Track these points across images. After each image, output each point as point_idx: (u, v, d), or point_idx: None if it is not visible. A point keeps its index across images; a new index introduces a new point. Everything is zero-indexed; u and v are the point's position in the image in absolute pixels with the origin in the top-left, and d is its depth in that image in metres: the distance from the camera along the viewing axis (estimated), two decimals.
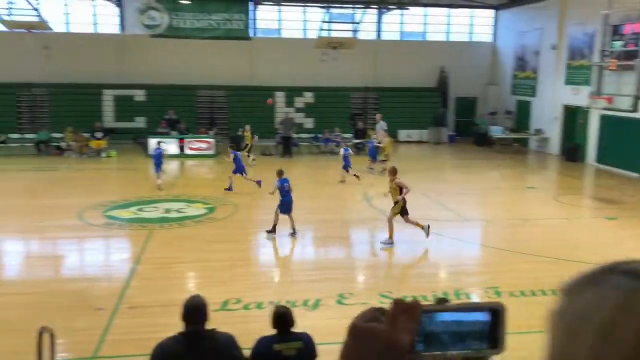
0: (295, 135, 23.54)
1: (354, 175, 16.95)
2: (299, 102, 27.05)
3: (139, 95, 25.96)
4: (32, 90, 25.30)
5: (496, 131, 25.95)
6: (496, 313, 0.91)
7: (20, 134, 23.63)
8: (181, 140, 22.14)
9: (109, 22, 26.48)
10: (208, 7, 24.57)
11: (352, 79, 27.46)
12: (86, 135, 22.26)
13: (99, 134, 22.32)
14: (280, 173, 11.68)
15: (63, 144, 22.17)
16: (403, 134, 27.41)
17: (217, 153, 22.46)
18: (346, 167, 17.20)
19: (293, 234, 11.50)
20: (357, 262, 10.64)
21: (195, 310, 3.94)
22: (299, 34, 27.61)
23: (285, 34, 27.75)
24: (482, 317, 0.91)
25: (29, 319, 7.41)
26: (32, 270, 9.85)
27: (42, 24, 22.99)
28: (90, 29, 26.44)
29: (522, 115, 26.71)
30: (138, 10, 24.39)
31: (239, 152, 16.46)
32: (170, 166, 18.64)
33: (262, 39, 27.27)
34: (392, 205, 11.19)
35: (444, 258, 10.77)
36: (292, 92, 26.93)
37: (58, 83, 25.42)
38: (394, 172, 11.12)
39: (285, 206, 11.41)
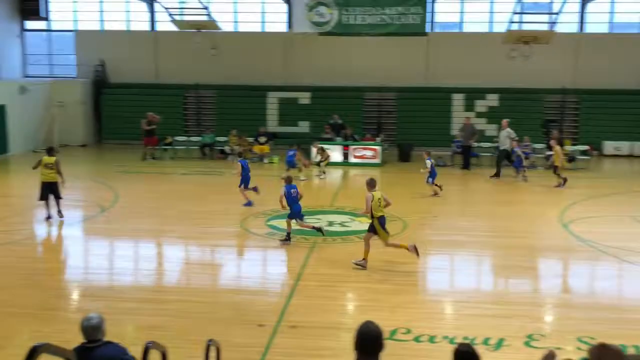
0: (475, 145, 22.92)
1: (437, 185, 16.99)
2: (481, 105, 26.33)
3: (304, 98, 27.20)
4: (199, 91, 27.78)
5: None
6: None
7: (186, 137, 26.02)
8: (346, 147, 22.72)
9: (277, 20, 28.16)
10: (382, 0, 24.98)
11: (547, 78, 26.06)
12: (250, 139, 23.85)
13: (262, 139, 23.77)
14: (287, 179, 12.50)
15: (227, 148, 23.98)
16: (609, 146, 25.33)
17: (383, 162, 22.74)
18: (431, 179, 17.01)
19: (285, 240, 12.13)
20: (549, 299, 9.97)
21: (371, 340, 3.95)
22: (483, 28, 26.94)
23: (467, 28, 27.24)
24: None
25: (189, 329, 8.05)
26: (192, 278, 10.68)
27: (211, 24, 25.16)
28: (258, 28, 28.34)
29: None
30: (307, 7, 25.58)
31: (246, 161, 15.85)
32: (334, 175, 19.22)
33: (441, 34, 27.10)
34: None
35: None
36: (473, 94, 26.30)
37: (224, 84, 27.63)
38: (370, 184, 10.76)
39: (295, 215, 12.17)
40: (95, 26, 29.27)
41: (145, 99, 27.13)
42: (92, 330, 4.93)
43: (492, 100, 26.28)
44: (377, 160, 22.49)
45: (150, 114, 23.78)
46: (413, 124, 26.32)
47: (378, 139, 23.72)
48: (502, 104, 26.20)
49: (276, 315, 8.64)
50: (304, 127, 26.82)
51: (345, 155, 22.54)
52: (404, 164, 23.51)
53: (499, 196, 17.99)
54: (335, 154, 22.47)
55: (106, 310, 8.57)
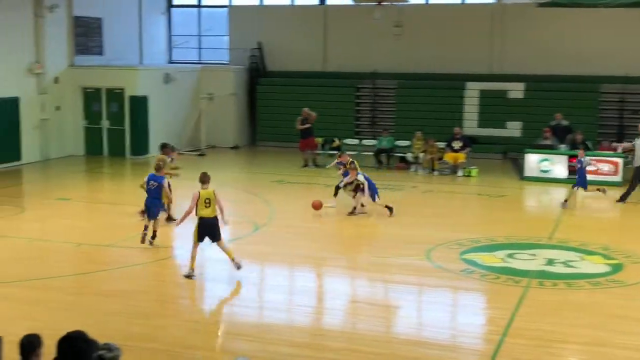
0: None
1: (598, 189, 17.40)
2: None
3: (515, 90, 26.61)
4: (375, 82, 28.22)
5: None
6: None
7: (358, 140, 26.52)
8: (572, 158, 21.84)
9: None
10: None
11: None
12: (440, 144, 23.74)
13: (456, 144, 23.54)
14: (155, 167, 14.36)
15: (409, 155, 24.07)
16: None
17: (625, 180, 21.54)
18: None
19: (143, 241, 13.87)
20: None
21: None
22: None
23: None
24: None
25: None
26: (361, 321, 10.82)
27: None
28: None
29: None
30: None
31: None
32: (555, 196, 18.54)
33: None
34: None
35: None
36: None
37: (408, 73, 27.84)
38: (201, 179, 12.41)
39: (150, 211, 14.00)
40: (253, 0, 30.92)
41: (309, 91, 28.06)
42: None
43: None
44: (616, 178, 21.34)
45: (305, 110, 24.59)
46: None
47: (619, 149, 22.48)
48: None
49: None
50: (514, 129, 26.19)
51: (573, 170, 21.61)
52: None
53: None
54: (557, 166, 21.65)
55: (256, 353, 8.98)
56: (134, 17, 29.51)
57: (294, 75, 29.46)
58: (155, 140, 25.73)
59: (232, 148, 28.80)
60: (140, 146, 26.25)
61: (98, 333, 5.24)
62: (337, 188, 17.50)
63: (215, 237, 12.37)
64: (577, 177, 18.53)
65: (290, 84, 29.15)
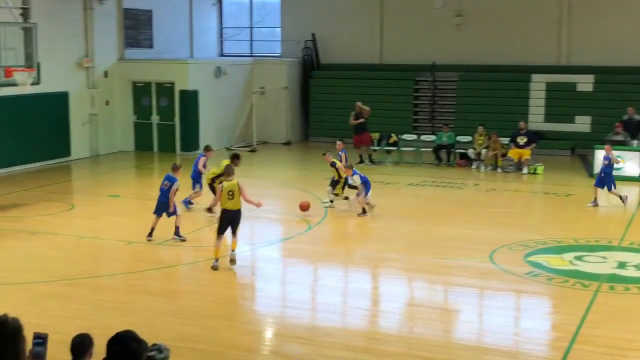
0: None
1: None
2: None
3: (584, 82, 26.19)
4: (435, 74, 28.03)
5: None
6: None
7: (416, 135, 26.35)
8: None
9: None
10: None
11: None
12: (504, 140, 23.46)
13: (521, 139, 23.24)
14: (172, 168, 14.96)
15: (471, 151, 23.84)
16: None
17: None
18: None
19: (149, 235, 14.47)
20: None
21: None
22: None
23: None
24: None
25: None
26: (419, 325, 10.77)
27: None
28: None
29: None
30: None
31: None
32: (622, 192, 18.17)
33: None
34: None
35: None
36: None
37: (469, 65, 27.59)
38: (227, 171, 13.00)
39: (156, 206, 14.56)
40: None
41: (364, 85, 27.97)
42: None
43: None
44: None
45: (358, 104, 24.53)
46: None
47: None
48: None
49: None
50: (583, 124, 25.77)
51: None
52: None
53: None
54: (629, 163, 21.18)
55: (309, 356, 9.05)
56: (185, 9, 29.79)
57: (348, 68, 29.40)
58: (205, 135, 26.02)
59: (284, 144, 28.89)
60: (190, 142, 26.44)
61: (147, 333, 5.27)
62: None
63: (234, 228, 12.83)
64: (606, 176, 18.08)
65: (344, 77, 29.09)
